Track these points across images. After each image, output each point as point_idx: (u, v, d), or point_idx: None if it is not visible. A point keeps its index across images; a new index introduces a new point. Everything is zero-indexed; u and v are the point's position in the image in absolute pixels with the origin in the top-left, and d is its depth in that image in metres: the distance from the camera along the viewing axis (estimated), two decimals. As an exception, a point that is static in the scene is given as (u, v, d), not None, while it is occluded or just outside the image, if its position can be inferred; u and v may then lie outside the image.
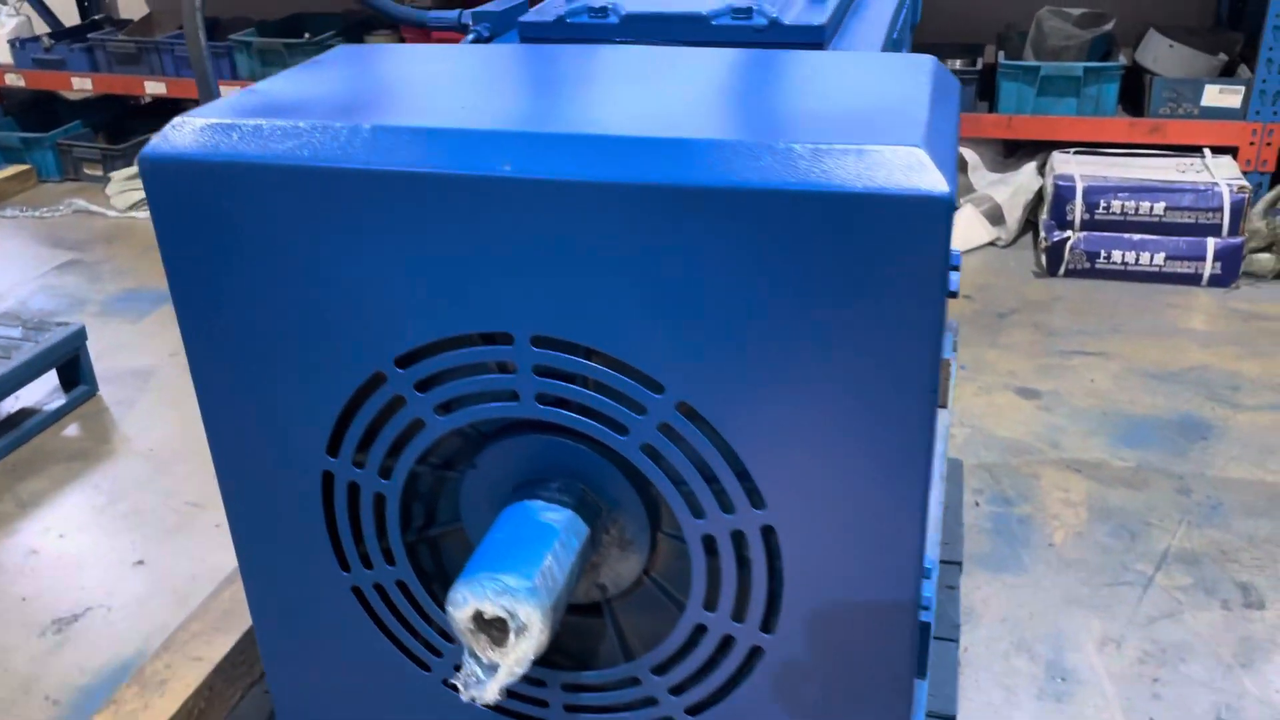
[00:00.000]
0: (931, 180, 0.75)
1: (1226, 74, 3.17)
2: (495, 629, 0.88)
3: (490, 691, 0.87)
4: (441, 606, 1.04)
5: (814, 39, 1.13)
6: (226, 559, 2.15)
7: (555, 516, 0.94)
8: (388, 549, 1.02)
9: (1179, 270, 2.97)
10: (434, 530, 1.03)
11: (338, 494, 1.00)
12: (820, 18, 1.15)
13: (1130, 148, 3.15)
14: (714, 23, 1.17)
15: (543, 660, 1.01)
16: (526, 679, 1.04)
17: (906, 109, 0.85)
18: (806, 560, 0.90)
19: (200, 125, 0.91)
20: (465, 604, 0.87)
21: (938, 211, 0.74)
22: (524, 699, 1.05)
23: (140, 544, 2.17)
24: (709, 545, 0.92)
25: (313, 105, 0.94)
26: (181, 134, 0.91)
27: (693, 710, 1.00)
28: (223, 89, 3.95)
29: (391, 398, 0.94)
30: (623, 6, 1.21)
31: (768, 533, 0.90)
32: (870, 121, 0.83)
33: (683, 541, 0.98)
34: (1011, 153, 3.52)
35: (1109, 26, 3.22)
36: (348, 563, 1.04)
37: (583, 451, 0.95)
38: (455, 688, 1.05)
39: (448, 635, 1.04)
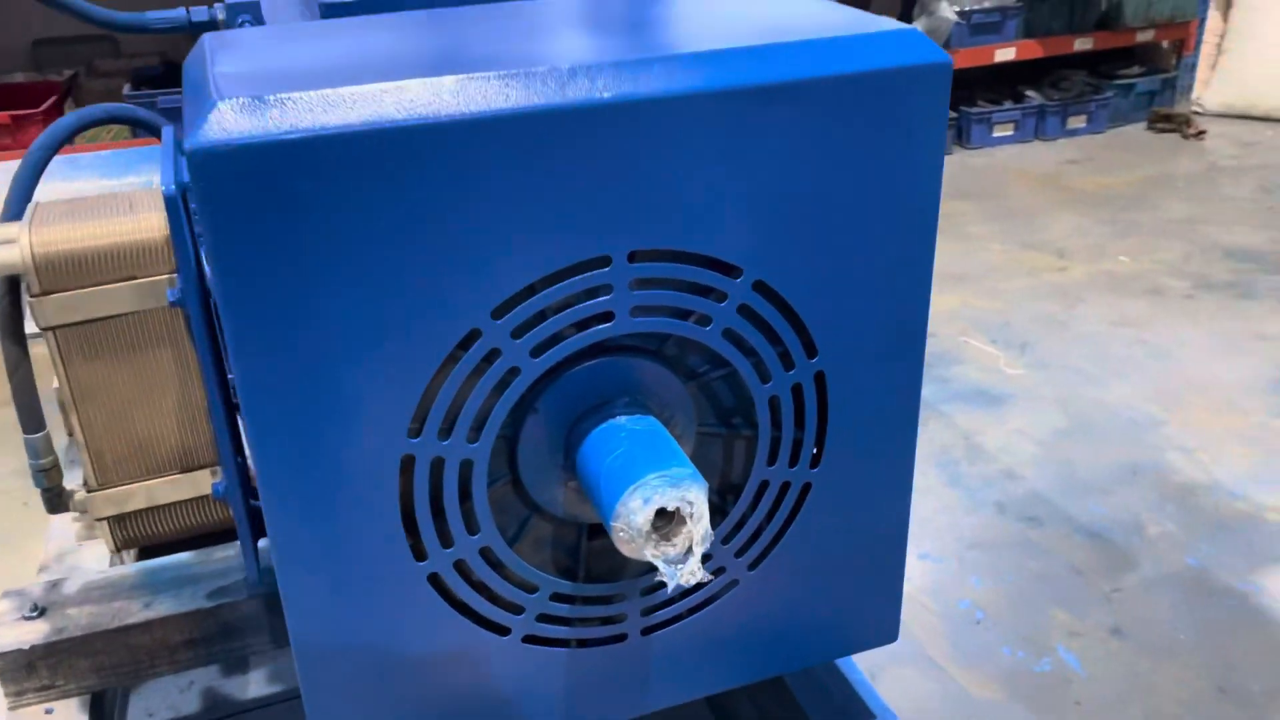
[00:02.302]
0: (935, 51, 0.98)
1: None
2: (660, 525, 0.94)
3: (695, 571, 0.94)
4: (524, 558, 1.04)
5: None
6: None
7: (646, 423, 1.01)
8: (470, 517, 1.00)
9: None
10: (492, 488, 1.03)
11: (418, 477, 0.96)
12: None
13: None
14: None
15: (607, 577, 1.08)
16: (599, 598, 1.09)
17: (847, 11, 1.06)
18: (845, 391, 1.08)
19: (248, 104, 0.82)
20: (647, 505, 0.92)
21: (946, 73, 0.98)
22: (599, 620, 1.10)
23: None
24: (772, 405, 1.07)
25: (332, 72, 0.89)
26: (231, 117, 0.81)
27: (752, 565, 1.14)
28: None
29: (485, 353, 0.94)
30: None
31: (818, 377, 1.07)
32: (847, 20, 1.03)
33: (711, 436, 1.10)
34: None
35: None
36: (424, 550, 0.99)
37: (635, 363, 1.03)
38: (540, 639, 1.07)
39: (530, 587, 1.05)
